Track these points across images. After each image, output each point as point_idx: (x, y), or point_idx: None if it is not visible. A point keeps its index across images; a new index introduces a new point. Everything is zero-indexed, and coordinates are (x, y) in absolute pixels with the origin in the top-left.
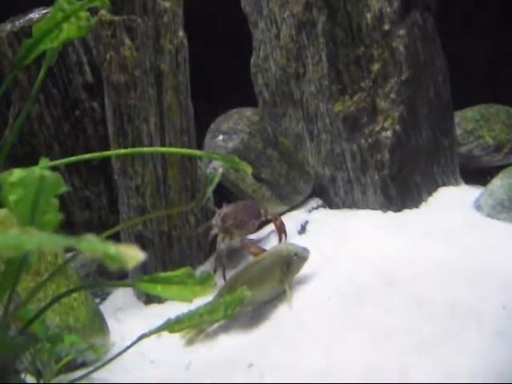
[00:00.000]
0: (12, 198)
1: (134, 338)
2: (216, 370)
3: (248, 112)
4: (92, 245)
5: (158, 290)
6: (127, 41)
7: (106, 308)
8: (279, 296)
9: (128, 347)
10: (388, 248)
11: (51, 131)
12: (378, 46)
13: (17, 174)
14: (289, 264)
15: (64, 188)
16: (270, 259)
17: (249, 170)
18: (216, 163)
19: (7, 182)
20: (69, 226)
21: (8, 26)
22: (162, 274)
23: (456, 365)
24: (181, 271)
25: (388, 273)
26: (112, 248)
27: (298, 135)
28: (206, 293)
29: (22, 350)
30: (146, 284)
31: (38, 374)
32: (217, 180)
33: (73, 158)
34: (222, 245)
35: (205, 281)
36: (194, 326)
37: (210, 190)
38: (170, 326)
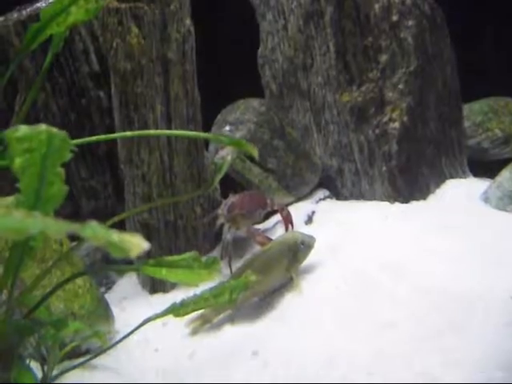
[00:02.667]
0: (18, 162)
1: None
2: (220, 359)
3: (255, 102)
4: (95, 232)
5: (163, 273)
6: (134, 29)
7: (111, 297)
8: (284, 285)
9: (133, 331)
10: (395, 238)
11: (57, 120)
12: (386, 37)
13: (23, 130)
14: (295, 252)
15: (70, 153)
16: (277, 248)
17: (255, 153)
18: (223, 152)
19: (13, 138)
20: (75, 217)
21: (15, 15)
22: (168, 258)
23: (462, 354)
24: (187, 255)
25: (395, 263)
26: (115, 236)
27: (305, 126)
28: (211, 277)
29: (26, 333)
30: (151, 268)
31: (43, 360)
32: (225, 168)
33: (80, 140)
34: (228, 234)
35: (211, 265)
36: (200, 317)
37: (218, 178)
38: (176, 309)
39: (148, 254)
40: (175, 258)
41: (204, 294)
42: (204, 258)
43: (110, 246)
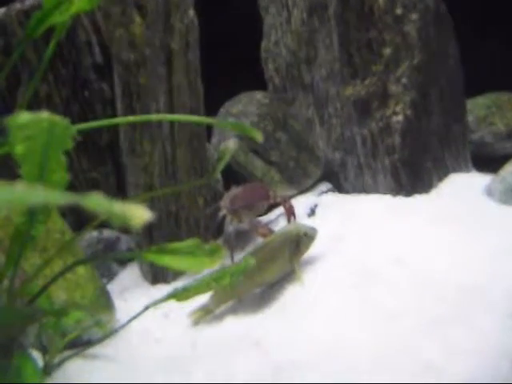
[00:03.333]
0: (20, 149)
1: (141, 317)
2: (222, 348)
3: (258, 95)
4: (97, 202)
5: (165, 260)
6: (137, 18)
7: (112, 288)
8: (286, 277)
9: (135, 316)
10: (398, 231)
11: (60, 112)
12: (389, 30)
13: (24, 116)
14: (298, 243)
15: (72, 141)
16: (280, 240)
17: (260, 137)
18: (227, 142)
19: (15, 124)
20: (77, 210)
21: (18, 5)
22: (171, 245)
23: (466, 344)
24: (189, 242)
25: (398, 255)
26: (118, 206)
27: (308, 120)
28: (214, 264)
29: (28, 321)
30: (153, 255)
31: (44, 350)
32: (228, 156)
33: (81, 126)
34: (230, 227)
35: (214, 252)
36: (202, 308)
37: (221, 166)
38: (178, 294)
39: (150, 244)
40: (178, 244)
41: (205, 278)
42: (207, 245)
43: (112, 215)
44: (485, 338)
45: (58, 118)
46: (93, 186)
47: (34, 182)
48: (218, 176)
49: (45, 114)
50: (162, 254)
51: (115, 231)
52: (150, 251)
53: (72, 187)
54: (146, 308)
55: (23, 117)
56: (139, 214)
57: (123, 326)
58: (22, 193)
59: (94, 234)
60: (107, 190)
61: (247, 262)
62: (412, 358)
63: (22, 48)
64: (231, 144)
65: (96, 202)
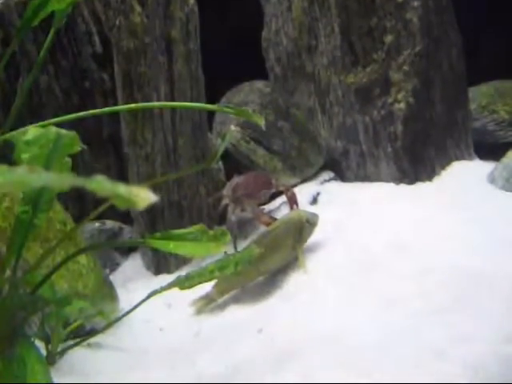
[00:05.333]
0: (25, 156)
1: (144, 306)
2: (226, 336)
3: (259, 84)
4: (101, 185)
5: (170, 247)
6: (137, 7)
7: (115, 278)
8: (289, 264)
9: (138, 304)
10: (401, 218)
11: (60, 102)
12: (391, 18)
13: (32, 132)
14: (301, 230)
15: (79, 147)
16: (283, 227)
17: (261, 121)
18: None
19: (21, 141)
20: (79, 200)
21: None
22: (175, 231)
23: (469, 329)
24: (194, 228)
25: (400, 242)
26: (122, 188)
27: (310, 109)
28: (219, 249)
29: (30, 310)
30: (158, 241)
31: (47, 340)
32: (229, 138)
33: (81, 113)
34: (232, 215)
35: (219, 237)
36: (205, 297)
37: (221, 148)
38: (181, 282)
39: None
40: (182, 230)
41: (209, 266)
42: (212, 231)
43: (116, 198)
44: (487, 323)
45: (64, 131)
46: None
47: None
48: (220, 166)
49: (53, 129)
50: (166, 241)
51: (117, 222)
52: (154, 237)
53: None
54: (149, 296)
55: (31, 132)
56: (143, 195)
57: (126, 313)
58: (23, 175)
59: (97, 225)
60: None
61: (251, 251)
62: (416, 344)
63: (21, 36)
64: (232, 127)
65: (100, 184)
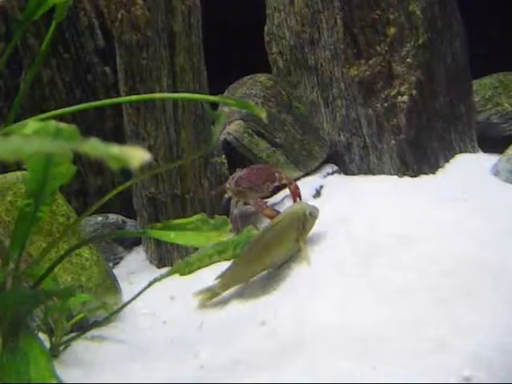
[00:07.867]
0: None
1: (147, 300)
2: (229, 329)
3: (262, 77)
4: (94, 146)
5: (171, 237)
6: (139, 0)
7: (118, 272)
8: (291, 257)
9: (139, 294)
10: (404, 210)
11: (63, 96)
12: (394, 10)
13: (31, 125)
14: (304, 223)
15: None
16: (287, 220)
17: (263, 114)
18: (230, 128)
19: (20, 134)
20: (82, 194)
21: None
22: (176, 221)
23: (473, 320)
24: (195, 217)
25: (404, 233)
26: (115, 148)
27: (313, 102)
28: (221, 238)
29: (34, 303)
30: (158, 231)
31: (50, 332)
32: (223, 119)
33: (82, 105)
34: (235, 208)
35: (220, 226)
36: (208, 290)
37: (218, 130)
38: (181, 268)
39: None
40: (183, 220)
41: (208, 250)
42: (213, 220)
43: (109, 158)
44: (491, 313)
45: (64, 125)
46: (98, 170)
47: (39, 175)
48: (223, 159)
49: (52, 122)
50: (167, 231)
51: (121, 216)
52: (156, 227)
53: (78, 174)
54: (150, 283)
55: (30, 126)
56: (137, 154)
57: (128, 302)
58: (17, 143)
59: (100, 218)
60: (112, 174)
61: (249, 233)
62: (419, 334)
63: (23, 29)
64: (226, 109)
65: (93, 145)
